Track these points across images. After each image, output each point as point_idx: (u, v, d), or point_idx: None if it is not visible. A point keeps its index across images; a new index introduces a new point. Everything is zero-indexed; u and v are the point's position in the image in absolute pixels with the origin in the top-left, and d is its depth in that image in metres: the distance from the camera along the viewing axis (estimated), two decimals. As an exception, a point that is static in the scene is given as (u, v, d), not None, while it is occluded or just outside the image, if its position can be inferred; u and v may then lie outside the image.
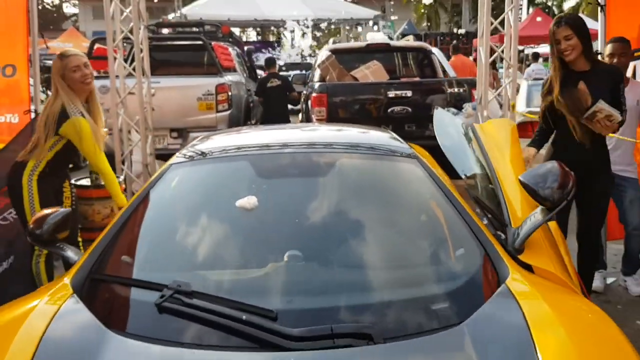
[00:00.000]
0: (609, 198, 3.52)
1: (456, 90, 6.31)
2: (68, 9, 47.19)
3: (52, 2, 47.05)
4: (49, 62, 17.56)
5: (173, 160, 2.57)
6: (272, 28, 30.30)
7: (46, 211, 2.31)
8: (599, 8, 4.25)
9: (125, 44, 6.56)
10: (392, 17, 35.35)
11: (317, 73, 6.76)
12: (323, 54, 7.05)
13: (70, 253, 2.24)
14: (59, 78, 3.22)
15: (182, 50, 7.46)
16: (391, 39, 23.75)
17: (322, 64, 6.64)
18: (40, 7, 38.01)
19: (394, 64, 7.72)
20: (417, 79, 7.09)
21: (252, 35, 34.60)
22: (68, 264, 2.28)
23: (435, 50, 7.45)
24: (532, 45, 18.70)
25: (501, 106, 5.86)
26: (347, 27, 27.32)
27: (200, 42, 7.04)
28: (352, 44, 11.71)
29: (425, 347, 1.61)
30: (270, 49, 30.35)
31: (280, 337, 1.61)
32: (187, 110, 6.49)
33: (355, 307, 1.81)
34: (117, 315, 1.85)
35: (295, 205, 2.31)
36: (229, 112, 6.64)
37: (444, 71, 7.25)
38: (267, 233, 2.21)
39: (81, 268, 2.00)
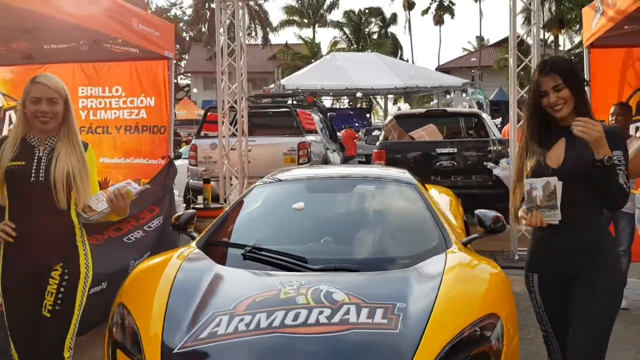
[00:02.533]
0: (613, 309, 2.46)
1: (497, 148, 7.53)
2: (182, 80, 52.54)
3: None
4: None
5: (257, 183, 4.10)
6: (362, 96, 32.26)
7: (179, 213, 3.88)
8: (585, 83, 5.36)
9: (230, 111, 8.41)
10: (484, 84, 36.39)
11: (383, 134, 8.23)
12: (388, 118, 8.54)
13: (195, 234, 3.77)
14: (22, 104, 2.64)
15: (274, 116, 9.24)
16: (481, 104, 24.76)
17: (386, 126, 8.10)
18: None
19: (450, 127, 9.04)
20: (463, 138, 8.37)
21: (345, 102, 36.84)
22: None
23: (485, 115, 8.70)
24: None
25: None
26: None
27: (287, 110, 8.81)
28: (414, 110, 13.15)
29: (385, 277, 2.93)
30: (361, 116, 32.31)
31: (306, 269, 3.00)
32: (276, 162, 8.13)
33: (353, 260, 3.18)
34: (221, 260, 3.30)
35: (328, 209, 3.75)
36: (308, 164, 8.23)
37: (493, 133, 8.46)
38: (309, 224, 3.64)
39: (201, 238, 3.51)
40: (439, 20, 47.05)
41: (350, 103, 36.27)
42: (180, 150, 11.89)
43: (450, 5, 47.25)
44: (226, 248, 3.42)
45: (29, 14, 4.29)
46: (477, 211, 3.55)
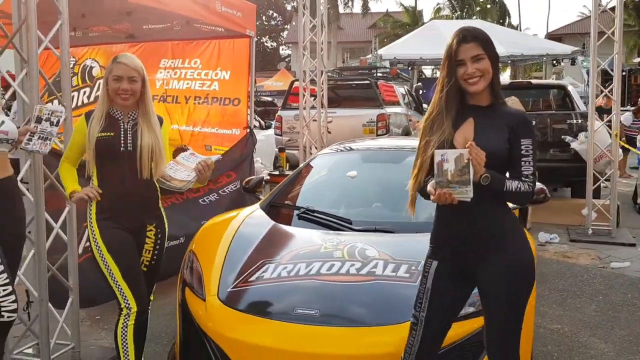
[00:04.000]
0: (523, 293, 2.25)
1: (578, 122, 7.43)
2: (283, 50, 53.75)
3: (272, 45, 54.17)
4: (265, 98, 21.09)
5: (318, 153, 4.53)
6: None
7: (250, 177, 4.40)
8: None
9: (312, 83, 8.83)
10: (601, 52, 33.99)
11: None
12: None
13: (261, 197, 4.27)
14: (104, 82, 2.90)
15: (356, 88, 9.55)
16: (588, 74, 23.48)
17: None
18: (261, 49, 43.16)
19: (535, 99, 8.92)
20: (546, 111, 8.26)
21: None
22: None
23: (571, 87, 8.50)
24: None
25: (610, 136, 6.87)
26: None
27: (367, 82, 9.10)
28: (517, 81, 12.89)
29: (415, 239, 3.26)
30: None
31: (350, 229, 3.40)
32: (355, 134, 8.50)
33: (391, 223, 3.53)
34: (281, 219, 3.77)
35: (379, 178, 4.12)
36: (386, 135, 8.52)
37: (578, 107, 8.29)
38: (360, 191, 4.02)
39: (265, 200, 4.00)
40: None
41: (449, 73, 35.32)
42: (272, 121, 12.55)
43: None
44: (285, 209, 3.89)
45: (129, 1, 4.90)
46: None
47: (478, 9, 43.47)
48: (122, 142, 2.87)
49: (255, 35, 6.11)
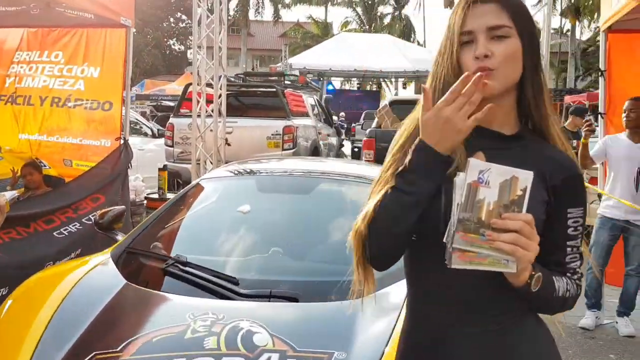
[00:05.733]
0: None
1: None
2: (192, 54, 51.73)
3: (179, 48, 51.89)
4: (167, 102, 19.62)
5: (202, 177, 3.45)
6: (371, 78, 31.49)
7: (107, 209, 3.24)
8: (599, 73, 4.64)
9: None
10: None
11: (375, 120, 7.54)
12: (382, 104, 7.84)
13: (119, 237, 3.14)
14: None
15: (260, 96, 8.53)
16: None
17: (379, 112, 7.41)
18: (167, 52, 41.34)
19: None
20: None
21: (354, 84, 36.05)
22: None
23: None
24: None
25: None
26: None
27: (273, 90, 8.10)
28: (412, 96, 12.41)
29: (329, 311, 2.29)
30: (370, 98, 31.51)
31: (235, 294, 2.36)
32: (258, 147, 7.48)
33: (294, 283, 2.53)
34: (135, 275, 2.67)
35: (280, 214, 3.09)
36: (293, 150, 7.56)
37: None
38: (254, 232, 2.99)
39: (120, 245, 2.88)
40: (449, 3, 45.59)
41: (359, 85, 35.44)
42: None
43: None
44: (145, 259, 2.79)
45: None
46: None
47: (385, 23, 44.12)
48: None
49: (133, 25, 4.95)
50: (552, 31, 5.52)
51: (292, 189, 3.31)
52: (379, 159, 6.58)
